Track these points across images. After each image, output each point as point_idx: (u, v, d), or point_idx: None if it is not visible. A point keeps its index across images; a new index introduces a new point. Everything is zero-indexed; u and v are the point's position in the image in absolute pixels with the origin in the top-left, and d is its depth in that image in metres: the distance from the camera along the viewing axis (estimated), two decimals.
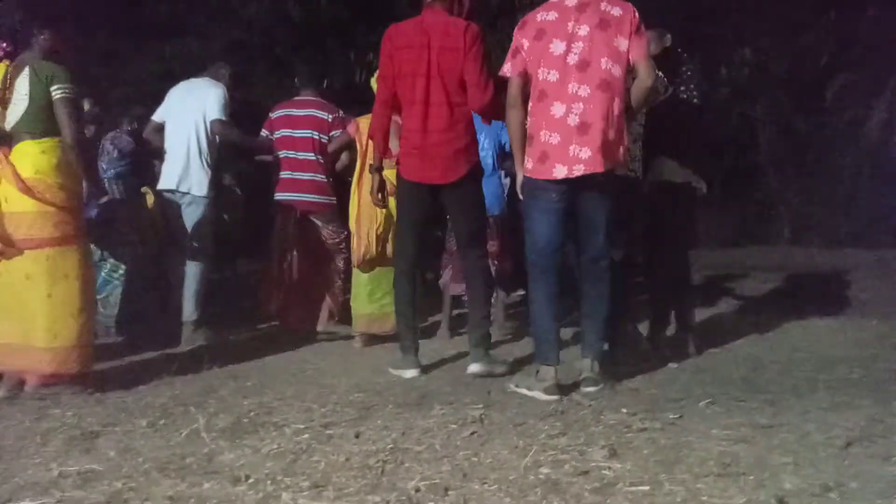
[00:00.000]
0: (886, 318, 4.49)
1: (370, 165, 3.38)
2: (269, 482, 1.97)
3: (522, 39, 2.81)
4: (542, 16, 2.78)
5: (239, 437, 2.37)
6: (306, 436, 2.36)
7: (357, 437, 2.34)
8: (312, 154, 4.16)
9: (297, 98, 4.32)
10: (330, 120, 4.19)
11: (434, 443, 2.25)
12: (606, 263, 2.86)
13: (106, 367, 3.41)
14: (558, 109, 2.70)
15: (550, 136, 2.71)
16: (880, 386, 2.90)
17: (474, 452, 2.16)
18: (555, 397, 2.72)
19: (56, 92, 2.78)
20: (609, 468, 2.00)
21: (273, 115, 4.30)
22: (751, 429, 2.32)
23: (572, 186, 2.74)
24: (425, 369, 3.30)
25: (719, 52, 8.85)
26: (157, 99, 4.35)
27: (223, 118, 4.06)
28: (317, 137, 4.16)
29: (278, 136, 4.25)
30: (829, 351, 3.60)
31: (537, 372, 2.81)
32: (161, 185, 4.18)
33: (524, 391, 2.79)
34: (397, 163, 3.23)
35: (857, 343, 3.81)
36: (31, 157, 2.73)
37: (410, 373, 3.20)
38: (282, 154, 4.24)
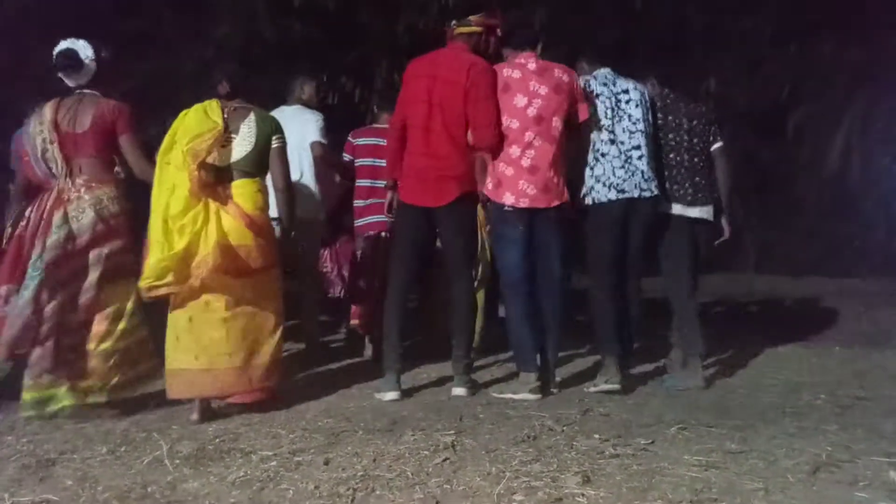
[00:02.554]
0: (848, 344, 4.60)
1: (386, 183, 3.43)
2: None
3: None
4: (508, 72, 3.25)
5: (203, 465, 2.30)
6: (274, 463, 2.30)
7: (326, 464, 2.29)
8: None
9: (377, 126, 4.36)
10: None
11: (406, 470, 2.21)
12: (559, 283, 3.31)
13: None
14: (515, 151, 3.22)
15: (506, 169, 3.22)
16: (844, 412, 2.95)
17: (447, 480, 2.13)
18: (539, 396, 3.14)
19: (275, 141, 3.06)
20: (583, 495, 1.99)
21: (356, 141, 4.30)
22: (721, 455, 2.34)
23: (526, 216, 3.21)
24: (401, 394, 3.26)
25: (683, 83, 9.07)
26: None
27: (323, 141, 4.12)
28: None
29: (361, 164, 4.27)
30: (795, 377, 3.66)
31: (518, 377, 3.23)
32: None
33: (510, 395, 3.17)
34: (398, 185, 3.32)
35: (821, 369, 3.89)
36: (251, 195, 2.98)
37: (390, 395, 3.19)
38: (364, 182, 4.27)
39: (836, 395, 3.24)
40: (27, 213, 2.97)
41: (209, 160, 2.89)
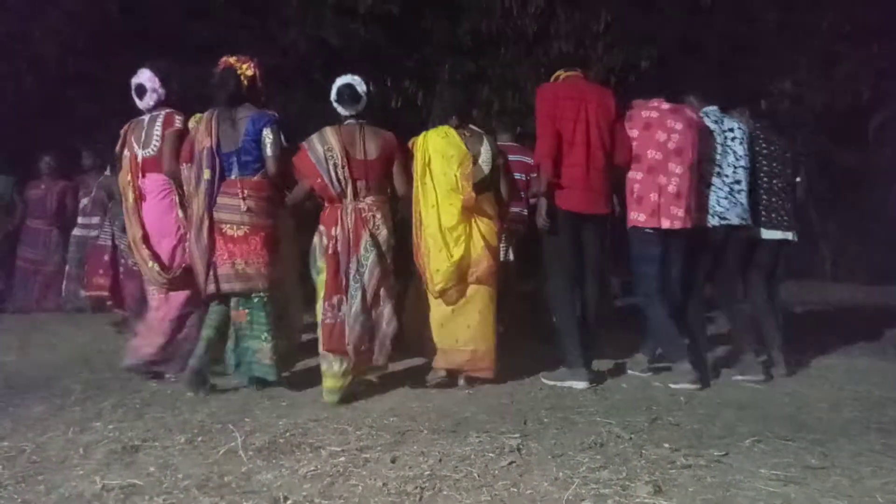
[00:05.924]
0: None
1: (538, 190, 3.67)
2: None
3: (633, 130, 3.70)
4: (647, 113, 3.71)
5: (276, 458, 2.36)
6: (342, 459, 2.34)
7: (393, 462, 2.32)
8: (521, 192, 4.64)
9: (500, 143, 4.77)
10: (532, 163, 4.66)
11: (472, 471, 2.21)
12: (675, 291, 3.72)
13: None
14: (662, 180, 3.64)
15: (659, 198, 3.63)
16: None
17: (513, 483, 2.12)
18: (699, 386, 3.46)
19: (500, 159, 3.58)
20: None
21: None
22: (801, 470, 2.24)
23: (665, 235, 3.63)
24: (459, 395, 3.28)
25: (759, 84, 8.76)
26: None
27: None
28: (524, 179, 4.71)
29: None
30: (877, 391, 3.48)
31: (671, 369, 3.62)
32: None
33: (672, 385, 3.49)
34: (553, 193, 3.57)
35: None
36: (492, 205, 3.54)
37: (580, 384, 3.47)
38: None
39: None
40: (333, 233, 3.37)
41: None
